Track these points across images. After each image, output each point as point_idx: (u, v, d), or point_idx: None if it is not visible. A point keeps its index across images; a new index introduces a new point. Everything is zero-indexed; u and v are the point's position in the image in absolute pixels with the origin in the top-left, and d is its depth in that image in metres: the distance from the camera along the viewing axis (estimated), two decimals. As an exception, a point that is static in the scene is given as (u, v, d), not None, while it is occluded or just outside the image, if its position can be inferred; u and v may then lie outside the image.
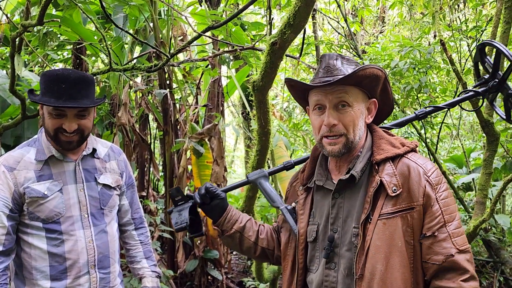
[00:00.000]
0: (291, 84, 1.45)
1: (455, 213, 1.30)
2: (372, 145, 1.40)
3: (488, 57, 1.81)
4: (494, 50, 1.68)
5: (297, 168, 1.66)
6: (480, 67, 1.93)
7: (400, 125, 1.69)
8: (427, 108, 1.70)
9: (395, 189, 1.29)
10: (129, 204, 2.02)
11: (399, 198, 1.29)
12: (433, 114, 5.33)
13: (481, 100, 1.90)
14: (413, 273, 1.27)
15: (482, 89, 1.71)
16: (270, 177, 1.69)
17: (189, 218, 1.56)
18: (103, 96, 1.87)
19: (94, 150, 1.87)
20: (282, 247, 1.54)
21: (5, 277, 1.64)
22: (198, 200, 1.56)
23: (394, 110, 4.72)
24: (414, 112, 1.68)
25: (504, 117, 1.79)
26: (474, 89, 1.74)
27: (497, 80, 1.68)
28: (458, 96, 1.75)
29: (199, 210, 1.65)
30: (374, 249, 1.27)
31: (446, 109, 1.76)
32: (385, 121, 1.69)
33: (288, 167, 1.66)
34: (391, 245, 1.27)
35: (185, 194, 1.62)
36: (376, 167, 1.34)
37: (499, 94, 1.79)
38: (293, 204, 1.53)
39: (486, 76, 1.74)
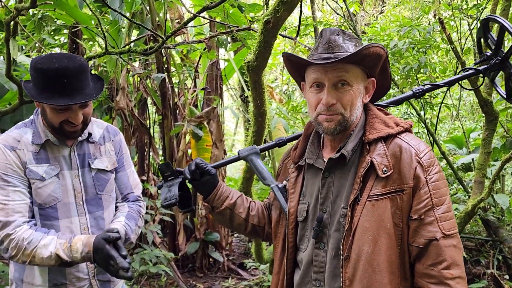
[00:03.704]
0: (289, 59, 1.40)
1: (445, 197, 1.26)
2: (365, 124, 1.36)
3: (491, 33, 1.72)
4: (498, 26, 1.60)
5: (290, 145, 1.63)
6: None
7: (396, 103, 1.63)
8: (425, 85, 1.62)
9: (385, 170, 1.26)
10: (119, 187, 1.94)
11: (389, 180, 1.25)
12: (433, 95, 5.30)
13: (481, 79, 1.83)
14: (400, 255, 1.25)
15: (483, 67, 1.63)
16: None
17: (179, 194, 1.53)
18: (100, 79, 1.79)
19: (90, 134, 1.83)
20: (273, 225, 1.53)
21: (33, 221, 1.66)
22: (188, 175, 1.53)
23: (393, 91, 4.69)
24: (412, 90, 1.60)
25: (505, 96, 1.72)
26: (475, 67, 1.66)
27: (499, 58, 1.60)
28: (458, 74, 1.66)
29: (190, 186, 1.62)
30: (361, 231, 1.25)
31: (445, 87, 1.68)
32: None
33: (280, 144, 1.63)
34: (379, 227, 1.24)
35: (174, 169, 1.59)
36: (368, 147, 1.31)
37: (501, 72, 1.72)
38: (284, 182, 1.50)
39: (488, 53, 1.67)
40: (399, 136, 1.31)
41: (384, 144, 1.30)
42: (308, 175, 1.45)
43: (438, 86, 1.65)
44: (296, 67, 1.42)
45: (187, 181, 1.57)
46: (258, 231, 1.62)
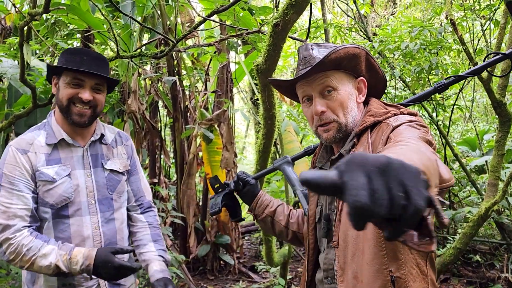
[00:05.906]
0: (277, 84, 1.46)
1: (405, 134, 1.12)
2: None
3: None
4: None
5: None
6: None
7: (418, 100, 1.58)
8: (448, 78, 1.50)
9: None
10: (133, 190, 1.99)
11: None
12: (445, 96, 5.24)
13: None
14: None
15: (509, 50, 1.51)
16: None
17: (225, 203, 1.68)
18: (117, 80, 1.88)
19: (102, 135, 1.87)
20: (304, 229, 1.55)
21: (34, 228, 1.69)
22: (232, 187, 1.66)
23: (404, 93, 4.65)
24: (434, 85, 1.52)
25: None
26: (503, 52, 1.53)
27: None
28: (484, 61, 1.52)
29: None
30: (344, 216, 1.27)
31: (471, 77, 1.55)
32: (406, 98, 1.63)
33: (309, 152, 1.68)
34: None
35: (222, 182, 1.74)
36: (356, 141, 1.31)
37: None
38: None
39: None
40: (385, 121, 1.27)
41: (370, 134, 1.28)
42: None
43: (462, 78, 1.52)
44: (287, 89, 1.47)
45: (235, 192, 1.72)
46: (298, 237, 1.68)
